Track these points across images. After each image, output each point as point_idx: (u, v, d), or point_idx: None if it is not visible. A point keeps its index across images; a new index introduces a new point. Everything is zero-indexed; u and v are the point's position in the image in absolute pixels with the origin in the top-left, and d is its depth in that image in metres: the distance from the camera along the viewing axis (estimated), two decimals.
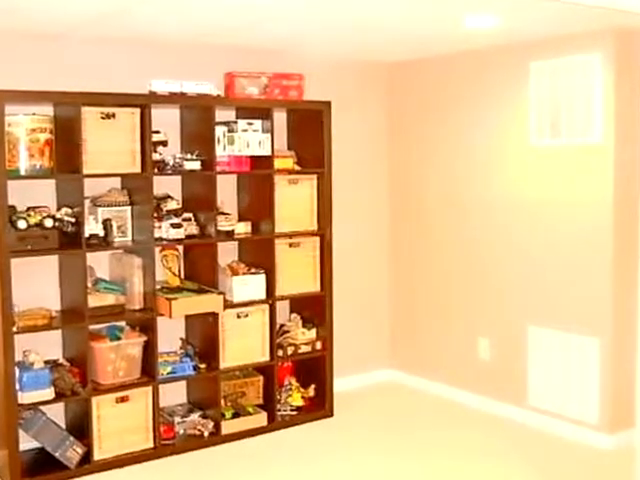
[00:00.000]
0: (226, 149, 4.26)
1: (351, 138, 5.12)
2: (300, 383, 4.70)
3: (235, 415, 4.37)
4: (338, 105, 4.66)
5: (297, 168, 4.56)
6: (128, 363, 4.00)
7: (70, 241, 3.84)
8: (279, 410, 4.53)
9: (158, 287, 4.13)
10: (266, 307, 4.42)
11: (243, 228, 4.42)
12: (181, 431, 4.25)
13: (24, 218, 3.71)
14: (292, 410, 4.60)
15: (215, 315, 4.21)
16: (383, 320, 5.44)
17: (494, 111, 4.63)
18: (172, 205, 4.20)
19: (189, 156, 4.18)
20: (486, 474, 3.89)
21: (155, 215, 4.09)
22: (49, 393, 3.76)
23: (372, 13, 3.59)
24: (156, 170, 4.06)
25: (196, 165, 4.17)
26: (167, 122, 4.23)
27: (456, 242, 4.94)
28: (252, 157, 4.38)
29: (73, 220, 3.82)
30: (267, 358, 4.44)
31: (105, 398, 3.93)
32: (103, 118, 3.87)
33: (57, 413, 4.04)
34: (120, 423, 3.96)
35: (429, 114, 5.07)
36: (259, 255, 4.47)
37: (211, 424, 4.26)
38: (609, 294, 4.10)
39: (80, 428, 3.95)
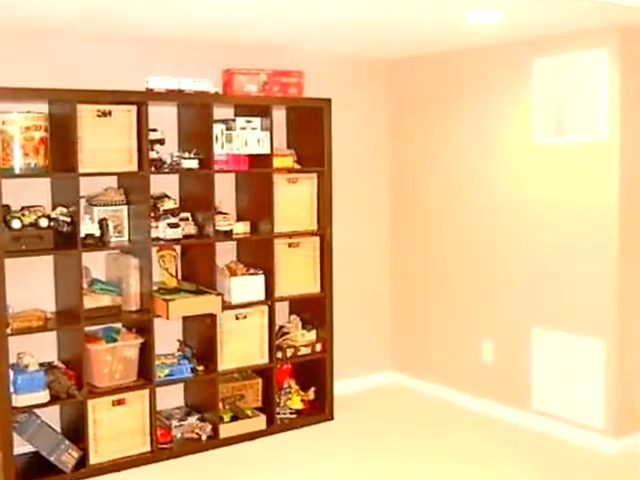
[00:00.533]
0: (224, 147, 4.22)
1: (351, 136, 5.06)
2: (300, 386, 4.65)
3: (233, 418, 4.32)
4: (338, 103, 4.61)
5: (297, 167, 4.52)
6: (124, 365, 3.96)
7: (65, 241, 3.79)
8: (278, 413, 4.48)
9: (155, 288, 4.09)
10: (265, 308, 4.37)
11: (242, 228, 4.38)
12: (178, 435, 4.20)
13: (18, 218, 3.67)
14: (291, 413, 4.55)
15: (213, 316, 4.16)
16: (384, 321, 5.39)
17: (497, 109, 4.57)
18: (169, 204, 4.16)
19: (186, 154, 4.13)
20: (488, 478, 3.85)
21: (152, 215, 4.05)
22: (44, 396, 3.71)
23: (373, 9, 3.53)
24: (153, 169, 4.01)
25: (194, 164, 4.13)
26: (164, 120, 4.18)
27: (458, 242, 4.88)
28: (251, 155, 4.33)
29: (68, 220, 3.78)
30: (266, 360, 4.40)
31: (101, 401, 3.89)
32: (99, 116, 3.83)
33: (52, 416, 3.98)
34: (116, 426, 3.92)
35: (431, 112, 5.01)
36: (258, 255, 4.42)
37: (209, 427, 4.22)
38: (614, 295, 4.04)
39: (76, 431, 3.90)
